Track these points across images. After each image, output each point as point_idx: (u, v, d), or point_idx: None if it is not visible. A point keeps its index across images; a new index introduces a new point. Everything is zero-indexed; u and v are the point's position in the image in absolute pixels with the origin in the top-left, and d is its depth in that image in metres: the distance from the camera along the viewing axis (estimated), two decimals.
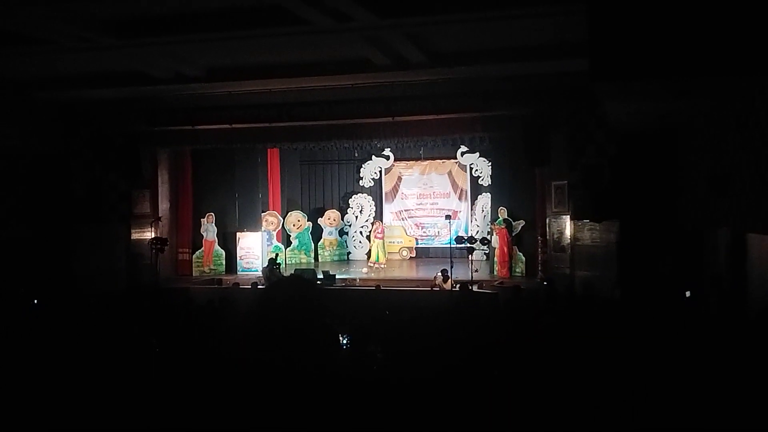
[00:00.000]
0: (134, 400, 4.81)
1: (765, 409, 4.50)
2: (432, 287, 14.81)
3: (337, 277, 16.38)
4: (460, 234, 18.87)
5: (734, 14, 6.36)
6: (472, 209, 20.92)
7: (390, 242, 20.94)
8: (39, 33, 11.40)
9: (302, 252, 20.86)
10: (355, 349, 5.44)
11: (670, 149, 12.87)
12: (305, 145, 18.06)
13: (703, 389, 4.81)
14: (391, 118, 15.56)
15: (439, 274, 14.85)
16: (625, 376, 5.19)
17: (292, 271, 17.00)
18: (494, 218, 17.71)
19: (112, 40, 11.58)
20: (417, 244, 21.65)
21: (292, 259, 20.40)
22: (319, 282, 15.12)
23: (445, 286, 14.55)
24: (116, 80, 14.66)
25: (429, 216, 21.55)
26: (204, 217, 18.66)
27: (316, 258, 21.11)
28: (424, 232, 21.62)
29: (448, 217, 18.54)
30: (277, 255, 17.99)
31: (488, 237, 17.66)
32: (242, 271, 18.47)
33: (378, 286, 14.90)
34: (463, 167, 21.08)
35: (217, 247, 18.76)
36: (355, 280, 16.81)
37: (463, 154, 20.72)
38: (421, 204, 21.69)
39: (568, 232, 14.77)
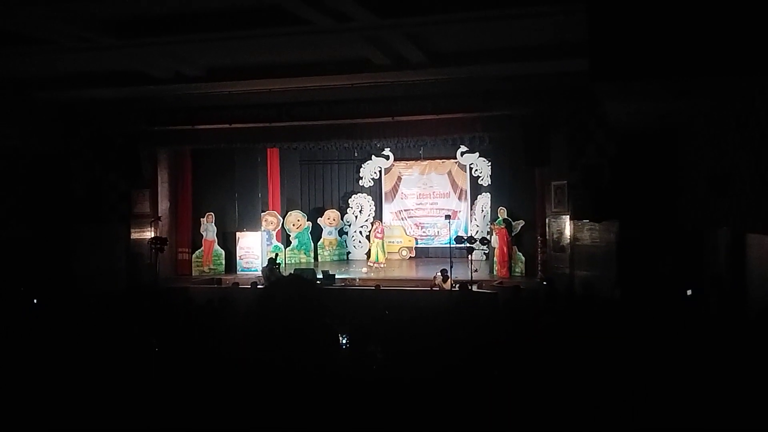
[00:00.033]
0: (134, 399, 4.81)
1: (765, 409, 4.50)
2: (431, 287, 14.81)
3: (336, 276, 16.38)
4: (459, 234, 18.87)
5: (734, 14, 6.36)
6: (471, 209, 20.93)
7: (390, 242, 20.96)
8: (39, 33, 11.40)
9: (302, 252, 20.87)
10: (355, 349, 5.44)
11: (670, 149, 12.87)
12: (305, 145, 18.06)
13: (703, 389, 4.81)
14: (390, 118, 15.56)
15: (439, 274, 14.85)
16: (624, 376, 5.19)
17: (292, 271, 16.99)
18: (494, 218, 17.72)
19: (112, 40, 11.58)
20: (416, 243, 21.66)
21: (292, 259, 20.40)
22: (318, 282, 15.12)
23: (444, 286, 14.55)
24: (116, 80, 14.65)
25: (429, 216, 21.56)
26: (204, 217, 18.67)
27: (315, 258, 21.12)
28: (424, 232, 21.63)
29: (447, 216, 18.53)
30: (276, 255, 17.99)
31: (488, 237, 17.67)
32: (242, 270, 18.48)
33: (377, 286, 14.90)
34: (462, 167, 21.09)
35: (216, 246, 18.76)
36: (354, 279, 16.81)
37: (462, 154, 20.73)
38: (420, 204, 21.70)
39: (567, 232, 14.77)
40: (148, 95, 15.97)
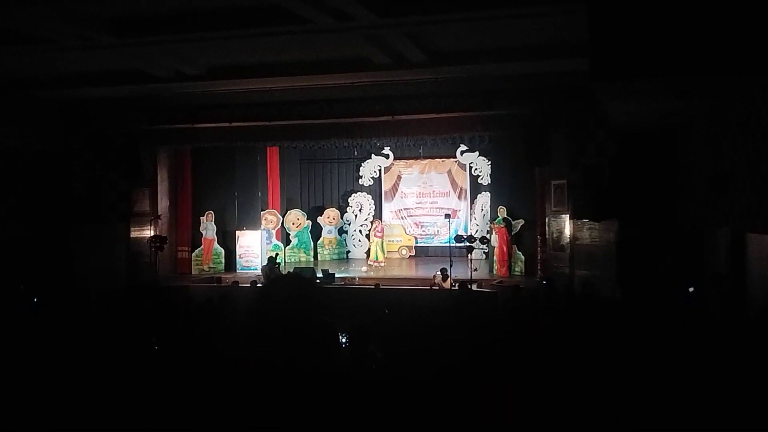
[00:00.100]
0: (134, 398, 4.82)
1: (765, 409, 4.50)
2: (431, 286, 14.81)
3: (336, 275, 16.37)
4: (459, 233, 18.87)
5: (734, 14, 6.37)
6: (471, 208, 20.93)
7: (389, 241, 20.96)
8: (39, 32, 11.39)
9: (302, 250, 20.86)
10: (355, 348, 5.44)
11: (670, 149, 12.87)
12: (305, 144, 18.05)
13: (703, 389, 4.81)
14: (390, 117, 15.56)
15: (439, 273, 14.84)
16: (624, 376, 5.19)
17: (292, 270, 16.99)
18: (494, 217, 17.72)
19: (113, 39, 11.57)
20: (416, 242, 21.65)
21: (292, 258, 20.40)
22: (318, 281, 15.12)
23: (444, 285, 14.54)
24: (116, 79, 14.65)
25: (428, 215, 21.56)
26: (203, 216, 18.67)
27: (315, 256, 21.12)
28: (424, 231, 21.62)
29: (447, 216, 18.54)
30: (276, 254, 17.99)
31: (488, 236, 17.68)
32: (242, 269, 18.50)
33: (377, 285, 14.89)
34: (462, 166, 21.08)
35: (216, 245, 18.77)
36: (354, 278, 16.80)
37: (462, 153, 20.73)
38: (420, 203, 21.69)
39: (567, 231, 14.77)
40: (148, 94, 15.96)
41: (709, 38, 6.39)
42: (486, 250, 18.65)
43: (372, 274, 18.02)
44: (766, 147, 8.07)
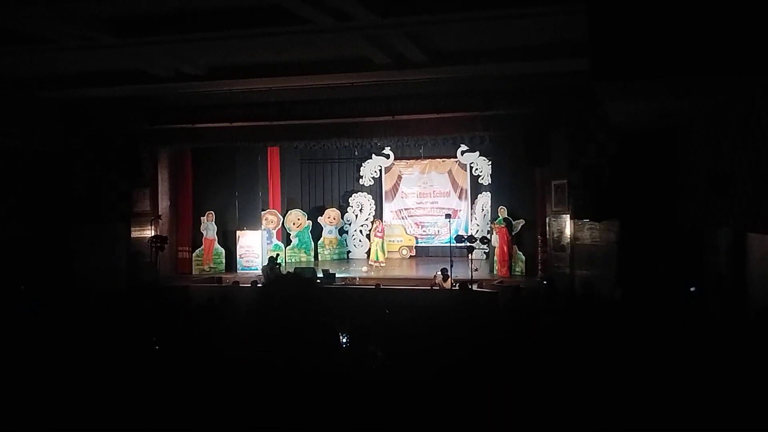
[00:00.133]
0: (134, 398, 4.82)
1: (765, 409, 4.50)
2: (432, 286, 14.81)
3: (336, 275, 16.37)
4: (460, 233, 18.88)
5: (734, 14, 6.36)
6: (472, 208, 20.92)
7: (390, 241, 20.95)
8: (39, 32, 11.39)
9: (302, 251, 20.86)
10: (355, 348, 5.44)
11: (670, 149, 12.87)
12: (305, 144, 18.04)
13: (703, 389, 4.81)
14: (391, 117, 15.55)
15: (439, 273, 14.84)
16: (625, 376, 5.19)
17: (292, 270, 16.99)
18: (494, 217, 17.71)
19: (113, 39, 11.56)
20: (417, 243, 21.65)
21: (292, 258, 20.39)
22: (318, 281, 15.12)
23: (444, 285, 14.54)
24: (116, 79, 14.65)
25: (429, 215, 21.55)
26: (204, 216, 18.68)
27: (315, 257, 21.12)
28: (424, 231, 21.62)
29: (448, 216, 18.54)
30: (277, 255, 18.00)
31: (488, 236, 17.67)
32: (242, 269, 18.50)
33: (378, 285, 14.89)
34: (463, 166, 21.08)
35: (217, 245, 18.77)
36: (354, 278, 16.81)
37: (463, 153, 20.73)
38: (421, 203, 21.69)
39: (568, 231, 14.77)
40: (148, 94, 15.96)
41: (709, 38, 6.39)
42: (486, 251, 18.65)
43: (372, 274, 18.02)
44: (766, 147, 8.06)
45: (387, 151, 21.38)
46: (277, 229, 20.25)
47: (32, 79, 14.81)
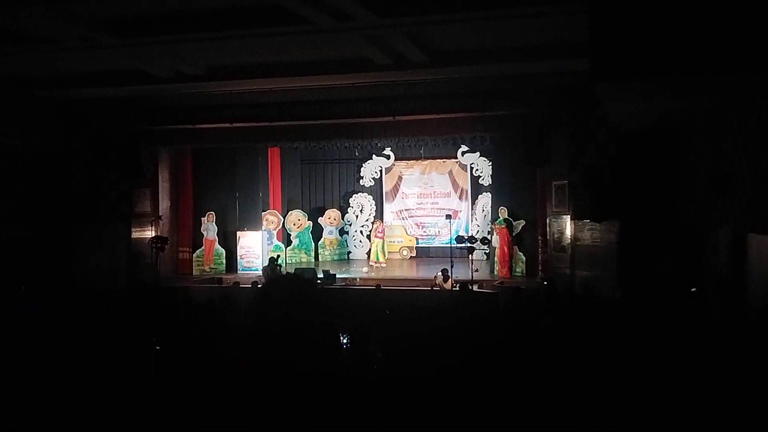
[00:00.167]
0: (134, 398, 4.81)
1: (765, 409, 4.50)
2: (432, 287, 14.81)
3: (337, 276, 16.38)
4: (460, 234, 18.88)
5: (734, 14, 6.36)
6: (472, 209, 20.93)
7: (390, 242, 20.95)
8: (39, 32, 11.40)
9: (302, 251, 20.86)
10: (355, 348, 5.44)
11: (670, 149, 12.87)
12: (306, 145, 18.04)
13: (704, 389, 4.81)
14: (391, 118, 15.54)
15: (440, 273, 14.85)
16: (625, 376, 5.19)
17: (292, 271, 16.99)
18: (495, 218, 17.71)
19: (113, 39, 11.57)
20: (417, 243, 21.66)
21: (293, 259, 20.40)
22: (319, 281, 15.12)
23: (445, 285, 14.54)
24: (117, 79, 14.66)
25: (429, 215, 21.56)
26: (204, 216, 18.67)
27: (316, 257, 21.12)
28: (425, 232, 21.63)
29: (448, 216, 18.55)
30: (278, 256, 17.99)
31: (488, 237, 17.66)
32: (242, 270, 18.49)
33: (378, 286, 14.89)
34: (463, 167, 21.08)
35: (217, 246, 18.77)
36: (355, 279, 16.81)
37: (463, 153, 20.74)
38: (421, 203, 21.69)
39: (568, 232, 14.76)
40: (148, 94, 15.97)
41: (709, 38, 6.38)
42: (487, 251, 18.64)
43: (373, 274, 18.02)
44: (766, 147, 8.06)
45: (387, 151, 21.39)
46: (277, 229, 20.25)
47: (32, 79, 14.82)
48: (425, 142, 17.36)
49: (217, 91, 15.63)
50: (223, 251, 18.83)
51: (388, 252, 20.35)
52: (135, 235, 17.15)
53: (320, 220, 21.38)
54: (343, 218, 21.75)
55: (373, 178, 22.07)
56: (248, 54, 13.11)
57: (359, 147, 19.06)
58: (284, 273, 16.00)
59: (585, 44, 6.78)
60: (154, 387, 5.02)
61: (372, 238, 20.16)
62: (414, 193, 21.72)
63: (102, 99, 16.23)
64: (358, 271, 18.48)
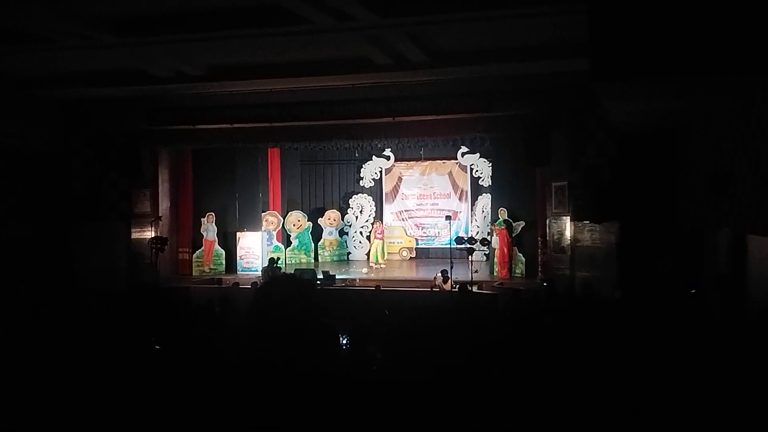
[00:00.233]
0: (134, 399, 4.81)
1: (765, 409, 4.50)
2: (432, 288, 14.80)
3: (337, 277, 16.37)
4: (460, 234, 18.86)
5: (734, 14, 6.36)
6: (472, 210, 20.92)
7: (390, 242, 20.95)
8: (39, 31, 11.40)
9: (302, 252, 20.86)
10: (355, 349, 5.44)
11: (670, 149, 12.87)
12: (306, 145, 18.02)
13: (704, 389, 4.80)
14: (391, 118, 15.53)
15: (439, 274, 14.84)
16: (625, 377, 5.19)
17: (292, 271, 16.98)
18: (494, 219, 17.70)
19: (113, 39, 11.58)
20: (417, 244, 21.65)
21: (292, 259, 20.39)
22: (319, 282, 15.11)
23: (445, 286, 14.54)
24: (117, 79, 14.67)
25: (429, 216, 21.55)
26: (204, 217, 18.66)
27: (316, 258, 21.11)
28: (425, 233, 21.62)
29: (448, 217, 18.53)
30: (278, 257, 17.98)
31: (488, 238, 17.65)
32: (242, 270, 18.47)
33: (378, 287, 14.88)
34: (463, 168, 21.08)
35: (217, 246, 18.76)
36: (355, 280, 16.80)
37: (463, 154, 20.73)
38: (421, 204, 21.69)
39: (568, 233, 14.75)
40: (148, 94, 15.97)
41: (709, 38, 6.38)
42: (487, 252, 18.63)
43: (372, 275, 18.01)
44: (766, 147, 8.06)
45: (387, 152, 21.38)
46: (277, 230, 20.25)
47: (32, 79, 14.82)
48: (425, 143, 17.33)
49: (218, 91, 15.64)
50: (223, 252, 18.82)
51: (388, 253, 20.35)
52: (135, 235, 17.14)
53: (320, 220, 21.37)
54: (342, 219, 21.74)
55: (373, 179, 22.06)
56: (248, 54, 13.12)
57: (359, 148, 19.03)
58: (284, 273, 16.01)
59: (585, 44, 6.78)
60: (154, 387, 5.01)
61: (372, 239, 20.16)
62: (414, 194, 21.72)
63: (102, 98, 16.24)
64: (358, 272, 18.47)
